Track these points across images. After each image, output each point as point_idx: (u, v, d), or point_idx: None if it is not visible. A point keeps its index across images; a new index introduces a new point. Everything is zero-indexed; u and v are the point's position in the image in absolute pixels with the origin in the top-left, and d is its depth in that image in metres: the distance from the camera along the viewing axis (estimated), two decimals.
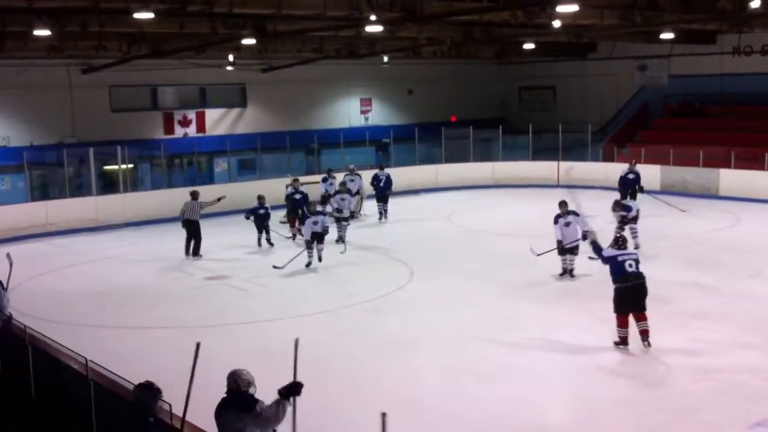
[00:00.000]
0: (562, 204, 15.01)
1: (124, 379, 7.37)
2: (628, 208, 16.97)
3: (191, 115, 28.48)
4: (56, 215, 21.59)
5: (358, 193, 22.09)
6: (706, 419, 8.97)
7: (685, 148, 25.89)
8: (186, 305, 14.17)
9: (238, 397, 6.30)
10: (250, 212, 18.53)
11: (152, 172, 26.99)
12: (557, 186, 28.07)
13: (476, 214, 23.77)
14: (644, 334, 11.07)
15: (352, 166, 22.86)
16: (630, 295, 10.99)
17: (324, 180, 22.14)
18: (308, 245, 16.55)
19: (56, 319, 13.15)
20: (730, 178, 25.00)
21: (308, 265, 16.46)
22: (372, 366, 10.74)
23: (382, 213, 22.56)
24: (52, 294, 15.03)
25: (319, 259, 16.55)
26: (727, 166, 25.11)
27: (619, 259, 11.06)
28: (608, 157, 28.65)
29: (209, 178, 27.20)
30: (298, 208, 19.29)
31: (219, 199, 18.51)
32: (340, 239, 18.97)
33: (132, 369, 9.21)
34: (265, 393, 6.21)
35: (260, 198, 18.60)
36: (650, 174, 26.02)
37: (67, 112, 25.52)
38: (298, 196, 19.56)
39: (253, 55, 25.62)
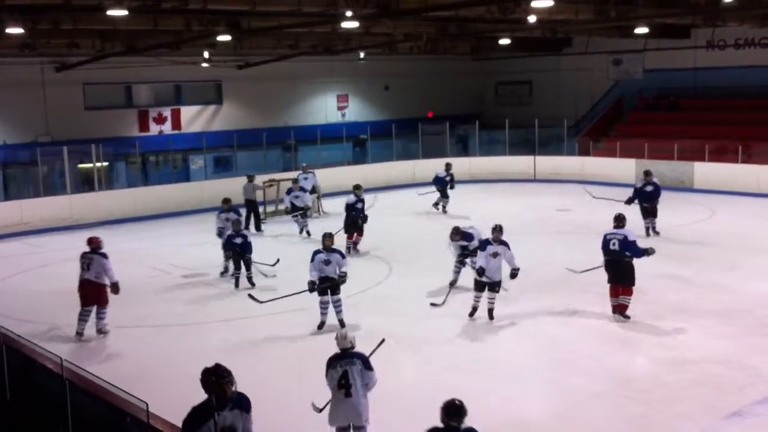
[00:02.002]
0: (497, 229, 12.34)
1: (100, 378, 7.31)
2: (470, 237, 13.85)
3: (166, 112, 28.30)
4: (31, 214, 21.41)
5: (313, 191, 22.04)
6: (682, 410, 9.05)
7: (659, 142, 26.10)
8: (163, 303, 14.10)
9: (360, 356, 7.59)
10: (225, 245, 15.18)
11: (127, 170, 26.83)
12: (534, 180, 28.27)
13: (453, 209, 23.80)
14: (617, 308, 12.29)
15: (305, 165, 22.82)
16: (611, 269, 12.36)
17: (298, 178, 22.13)
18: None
19: (31, 318, 13.05)
20: (705, 171, 25.23)
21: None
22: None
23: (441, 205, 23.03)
24: (27, 293, 14.90)
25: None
26: (702, 159, 25.34)
27: (608, 237, 12.42)
28: (584, 152, 28.86)
29: (185, 176, 27.04)
30: (358, 219, 17.62)
31: (270, 185, 21.98)
32: (302, 230, 19.66)
33: (108, 368, 9.18)
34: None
35: (235, 223, 15.26)
36: (625, 167, 26.28)
37: (40, 111, 25.27)
38: (360, 205, 17.70)
39: (229, 52, 25.52)
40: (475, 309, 12.39)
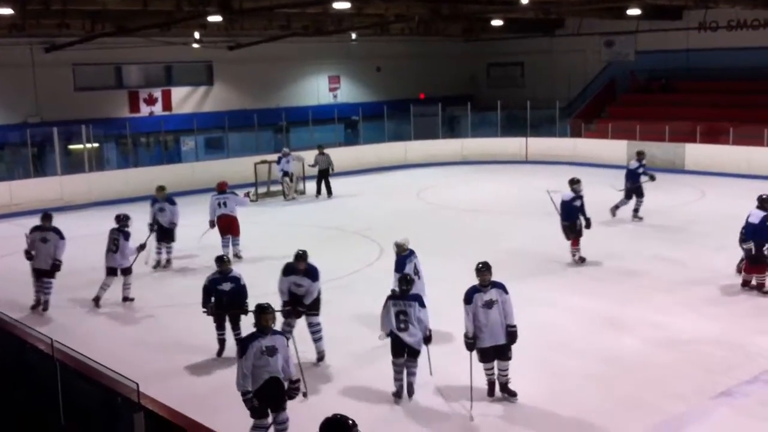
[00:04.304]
0: (484, 269, 9.03)
1: (90, 359, 7.30)
2: None
3: (157, 93, 28.16)
4: (21, 196, 21.34)
5: (285, 174, 22.48)
6: (671, 390, 9.10)
7: (651, 124, 26.11)
8: (153, 285, 14.09)
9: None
10: (206, 290, 10.48)
11: (118, 152, 26.70)
12: (525, 162, 28.26)
13: (445, 190, 23.81)
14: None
15: (285, 149, 23.04)
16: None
17: (279, 160, 22.58)
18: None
19: (21, 300, 13.02)
20: (696, 153, 25.27)
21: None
22: (341, 344, 10.74)
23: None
24: (17, 275, 14.80)
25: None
26: (693, 140, 25.38)
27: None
28: (576, 133, 28.85)
29: (176, 157, 26.94)
30: (576, 219, 14.52)
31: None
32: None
33: (99, 349, 9.18)
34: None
35: (221, 263, 10.56)
36: (617, 149, 26.29)
37: (30, 92, 25.12)
38: (578, 203, 14.63)
39: (220, 33, 25.37)
40: (491, 384, 9.06)
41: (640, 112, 27.87)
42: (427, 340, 8.96)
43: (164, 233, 15.16)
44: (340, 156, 23.98)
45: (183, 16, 19.69)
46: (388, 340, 9.03)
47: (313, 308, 10.30)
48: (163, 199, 15.23)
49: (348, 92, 33.06)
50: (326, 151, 23.30)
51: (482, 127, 30.20)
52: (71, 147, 24.59)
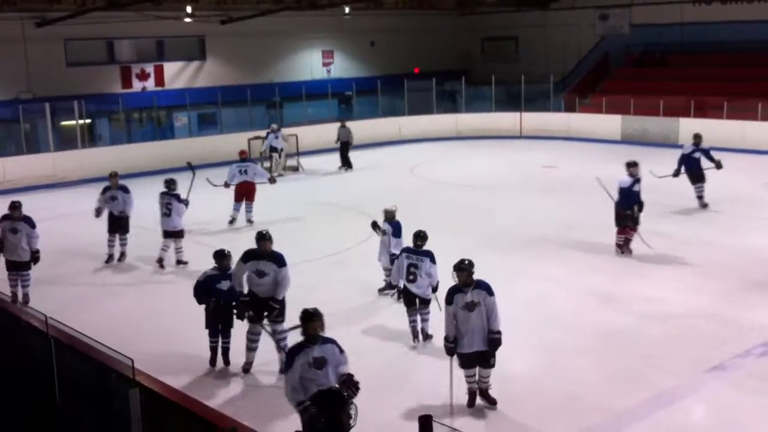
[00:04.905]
0: (465, 267, 8.07)
1: (85, 335, 7.31)
2: None
3: (149, 68, 27.95)
4: (13, 172, 21.28)
5: (274, 150, 22.55)
6: (664, 365, 9.16)
7: (645, 98, 26.07)
8: (147, 261, 14.06)
9: None
10: (200, 290, 9.46)
11: (110, 128, 26.58)
12: (520, 137, 28.22)
13: (440, 166, 23.80)
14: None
15: (274, 125, 22.99)
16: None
17: (267, 136, 22.66)
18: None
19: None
20: (690, 127, 25.11)
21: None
22: (337, 319, 10.75)
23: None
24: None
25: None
26: (687, 115, 25.33)
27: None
28: (570, 108, 28.79)
29: (169, 133, 26.84)
30: (632, 207, 13.38)
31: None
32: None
33: (93, 325, 9.18)
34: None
35: (221, 258, 9.50)
36: (611, 123, 26.29)
37: (21, 67, 24.88)
38: (637, 188, 13.54)
39: (212, 7, 25.24)
40: (472, 394, 8.33)
41: (635, 87, 27.80)
42: (434, 290, 9.85)
43: (116, 223, 14.06)
44: (334, 132, 23.88)
45: None
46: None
47: (279, 314, 9.04)
48: (115, 186, 14.04)
49: (341, 67, 32.89)
50: (347, 124, 23.86)
51: (476, 102, 30.12)
52: (63, 123, 24.46)
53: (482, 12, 32.99)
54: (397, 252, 10.59)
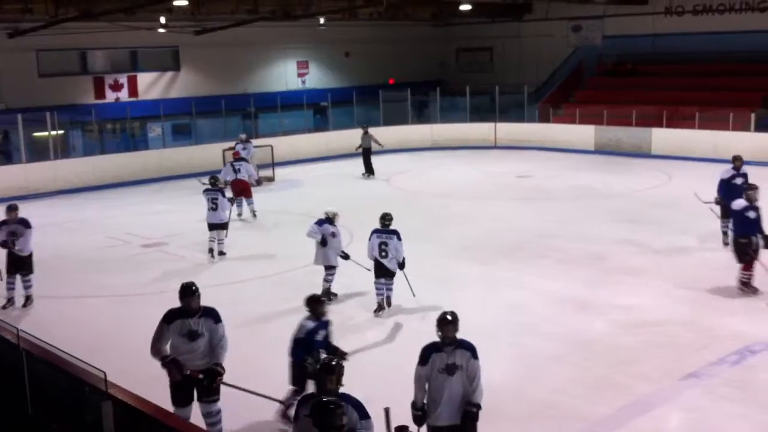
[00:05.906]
0: (448, 322, 6.63)
1: (57, 348, 7.20)
2: None
3: (123, 79, 27.79)
4: None
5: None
6: (640, 372, 9.18)
7: (618, 108, 26.27)
8: (122, 273, 13.93)
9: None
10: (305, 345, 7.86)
11: (84, 138, 26.35)
12: (494, 147, 28.33)
13: (415, 176, 23.83)
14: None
15: (243, 135, 22.51)
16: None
17: (235, 146, 22.13)
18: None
19: None
20: (662, 137, 25.47)
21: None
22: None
23: None
24: None
25: None
26: (659, 125, 25.56)
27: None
28: (544, 118, 28.96)
29: (143, 144, 26.65)
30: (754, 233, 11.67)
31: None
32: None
33: (66, 338, 9.05)
34: None
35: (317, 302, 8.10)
36: (585, 133, 26.47)
37: None
38: (751, 214, 11.79)
39: (186, 17, 25.09)
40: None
41: (607, 96, 28.03)
42: (401, 266, 11.31)
43: (17, 263, 12.02)
44: (309, 142, 23.85)
45: (148, 0, 19.43)
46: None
47: (214, 392, 7.27)
48: (14, 221, 11.98)
49: (317, 78, 32.89)
50: (370, 130, 24.15)
51: (451, 112, 30.21)
52: (36, 134, 24.20)
53: (457, 23, 33.13)
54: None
